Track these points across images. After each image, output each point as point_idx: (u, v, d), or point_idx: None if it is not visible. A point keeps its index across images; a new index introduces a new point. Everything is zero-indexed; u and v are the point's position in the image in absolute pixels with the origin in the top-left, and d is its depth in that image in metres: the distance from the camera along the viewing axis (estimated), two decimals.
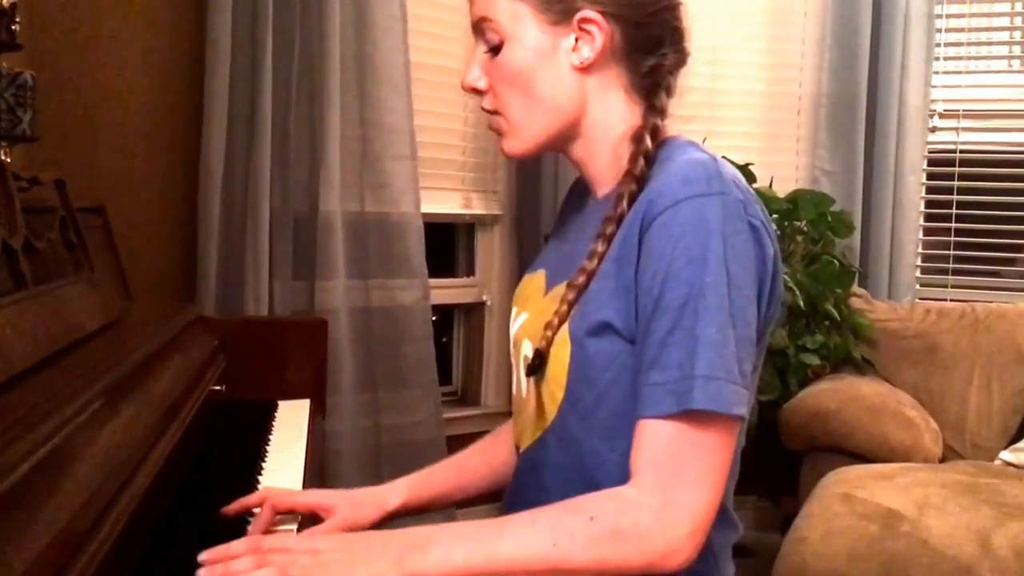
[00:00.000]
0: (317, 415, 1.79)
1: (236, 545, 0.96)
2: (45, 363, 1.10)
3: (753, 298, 1.05)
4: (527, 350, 1.18)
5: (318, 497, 1.24)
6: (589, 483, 1.10)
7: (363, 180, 2.72)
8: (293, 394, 1.86)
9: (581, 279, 1.10)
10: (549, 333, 1.10)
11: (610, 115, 1.16)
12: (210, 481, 1.35)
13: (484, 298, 3.32)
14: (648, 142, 1.12)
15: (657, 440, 1.01)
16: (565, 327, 1.10)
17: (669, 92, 1.17)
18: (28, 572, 0.74)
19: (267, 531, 1.18)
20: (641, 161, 1.11)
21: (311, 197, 2.61)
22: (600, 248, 1.10)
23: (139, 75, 2.33)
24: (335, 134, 2.61)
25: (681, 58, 1.18)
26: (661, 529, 0.98)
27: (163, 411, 1.26)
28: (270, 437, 1.60)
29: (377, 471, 2.66)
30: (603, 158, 1.18)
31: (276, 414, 1.75)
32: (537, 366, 1.12)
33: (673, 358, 1.00)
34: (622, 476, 1.05)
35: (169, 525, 1.15)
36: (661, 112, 1.15)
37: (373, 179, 2.73)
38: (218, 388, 1.64)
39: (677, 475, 0.99)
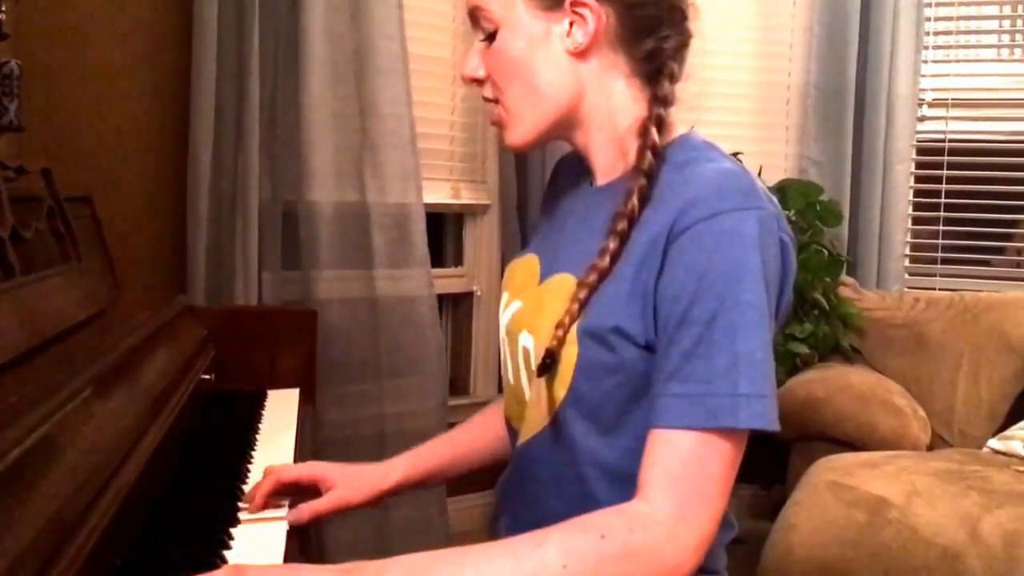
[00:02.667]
0: (307, 404, 1.80)
1: (217, 574, 0.90)
2: (33, 352, 1.09)
3: (773, 313, 1.03)
4: (526, 342, 1.15)
5: (319, 470, 1.26)
6: (581, 481, 1.10)
7: (357, 169, 2.70)
8: (282, 384, 1.87)
9: (592, 277, 1.06)
10: (560, 332, 1.07)
11: (611, 103, 1.14)
12: (199, 470, 1.35)
13: (473, 288, 3.32)
14: (654, 134, 1.10)
15: (675, 452, 0.98)
16: (574, 326, 1.07)
17: (672, 78, 1.14)
18: (17, 561, 0.74)
19: (266, 500, 1.20)
20: (649, 155, 1.08)
21: (300, 187, 2.60)
22: (612, 245, 1.06)
23: (126, 64, 2.32)
24: (322, 123, 2.60)
25: (684, 40, 1.16)
26: (672, 545, 0.95)
27: (152, 400, 1.26)
28: (259, 426, 1.60)
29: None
30: (607, 148, 1.16)
31: (265, 403, 1.75)
32: (548, 366, 1.08)
33: (698, 371, 0.98)
34: (616, 474, 1.05)
35: (158, 514, 1.15)
36: (665, 100, 1.12)
37: (368, 167, 2.72)
38: (207, 377, 1.65)
39: (692, 489, 0.97)
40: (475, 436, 1.38)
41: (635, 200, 1.06)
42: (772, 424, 0.98)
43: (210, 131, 2.42)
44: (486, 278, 3.31)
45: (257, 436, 1.54)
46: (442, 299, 3.34)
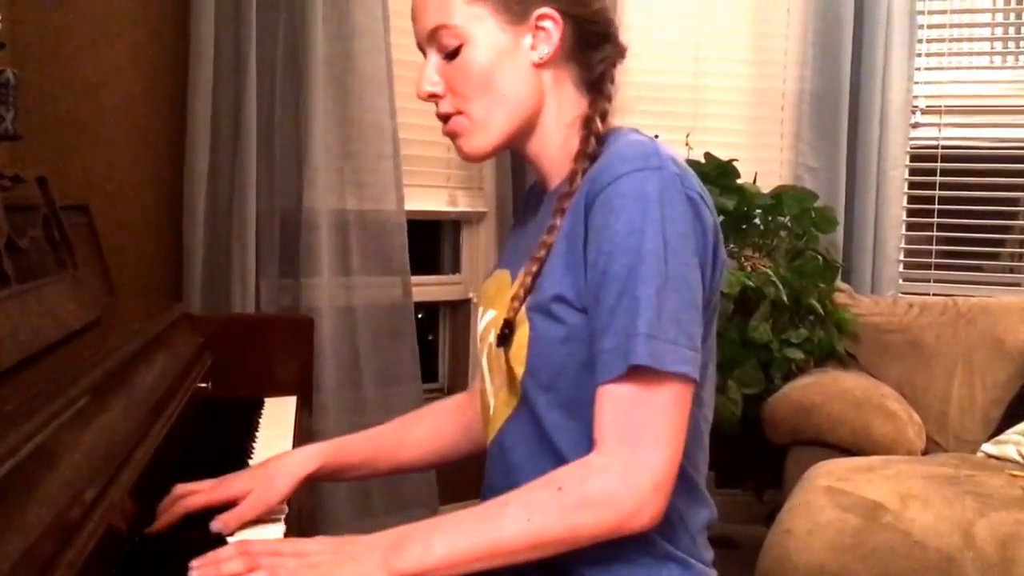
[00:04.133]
0: (303, 412, 1.80)
1: (225, 550, 0.98)
2: (29, 361, 1.10)
3: (695, 265, 1.09)
4: (492, 339, 1.21)
5: (230, 488, 1.21)
6: (555, 457, 1.14)
7: (345, 178, 2.71)
8: (279, 391, 1.87)
9: (542, 252, 1.15)
10: (516, 304, 1.15)
11: (562, 109, 1.22)
12: (195, 478, 1.34)
13: (470, 295, 3.32)
14: (598, 123, 1.18)
15: (615, 403, 1.05)
16: (523, 306, 1.14)
17: (612, 81, 1.23)
18: (13, 570, 0.74)
19: (167, 527, 1.15)
20: (592, 141, 1.17)
21: (296, 195, 2.61)
22: (557, 222, 1.15)
23: (123, 73, 2.32)
24: (319, 132, 2.61)
25: (620, 52, 1.25)
26: (627, 489, 1.02)
27: (148, 409, 1.26)
28: (256, 434, 1.60)
29: None
30: (554, 149, 1.23)
31: (262, 411, 1.75)
32: (507, 336, 1.15)
33: (620, 323, 1.05)
34: (586, 447, 1.09)
35: (155, 522, 1.15)
36: (608, 98, 1.22)
37: (355, 177, 2.73)
38: (204, 385, 1.65)
39: (636, 434, 1.03)
40: (396, 436, 1.41)
41: (578, 180, 1.15)
42: (666, 364, 1.03)
43: (207, 138, 2.43)
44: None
45: (254, 444, 1.54)
46: (440, 306, 3.35)
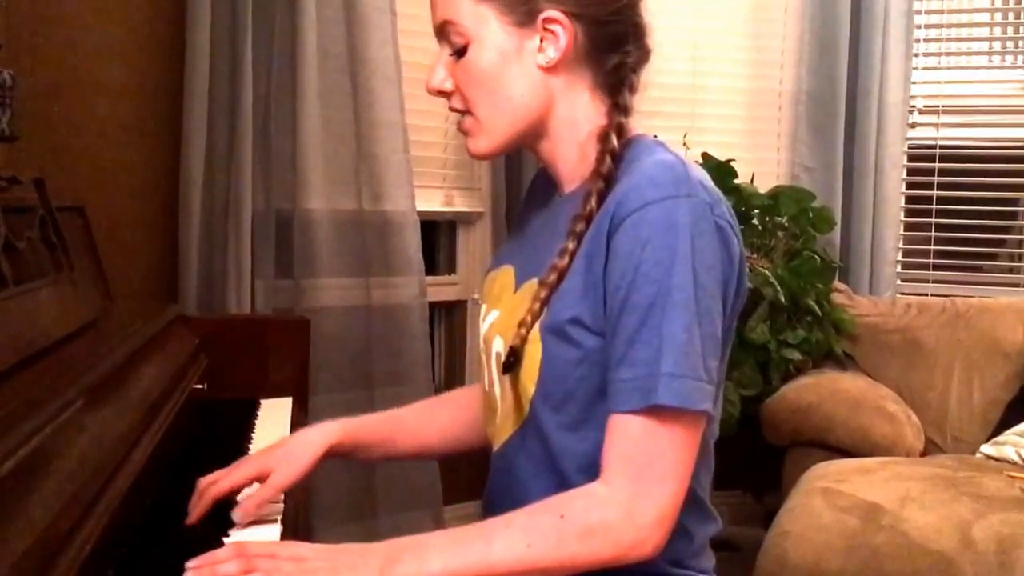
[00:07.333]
0: (299, 414, 1.79)
1: (222, 552, 0.97)
2: (25, 363, 1.09)
3: (718, 297, 1.08)
4: (499, 347, 1.19)
5: (254, 467, 1.23)
6: (559, 476, 1.13)
7: (352, 176, 2.71)
8: (275, 393, 1.86)
9: (552, 277, 1.12)
10: (523, 331, 1.12)
11: (576, 114, 1.18)
12: (192, 480, 1.34)
13: (466, 296, 3.32)
14: (614, 141, 1.14)
15: (627, 435, 1.04)
16: (537, 324, 1.12)
17: (632, 89, 1.19)
18: (11, 573, 0.74)
19: (203, 516, 1.17)
20: (608, 160, 1.13)
21: (293, 195, 2.60)
22: (571, 246, 1.11)
23: (119, 74, 2.31)
24: (315, 131, 2.60)
25: (644, 54, 1.20)
26: (629, 523, 1.01)
27: (144, 410, 1.26)
28: (252, 436, 1.60)
29: (368, 471, 2.66)
30: (570, 156, 1.20)
31: (258, 413, 1.75)
32: (512, 363, 1.13)
33: (640, 355, 1.03)
34: (591, 468, 1.08)
35: (151, 525, 1.15)
36: (625, 110, 1.17)
37: (362, 175, 2.72)
38: (200, 387, 1.64)
39: (645, 469, 1.02)
40: (416, 421, 1.40)
41: (593, 202, 1.11)
42: (692, 403, 1.03)
43: (203, 139, 2.42)
44: (479, 286, 3.30)
45: (250, 446, 1.54)
46: (435, 307, 3.34)
